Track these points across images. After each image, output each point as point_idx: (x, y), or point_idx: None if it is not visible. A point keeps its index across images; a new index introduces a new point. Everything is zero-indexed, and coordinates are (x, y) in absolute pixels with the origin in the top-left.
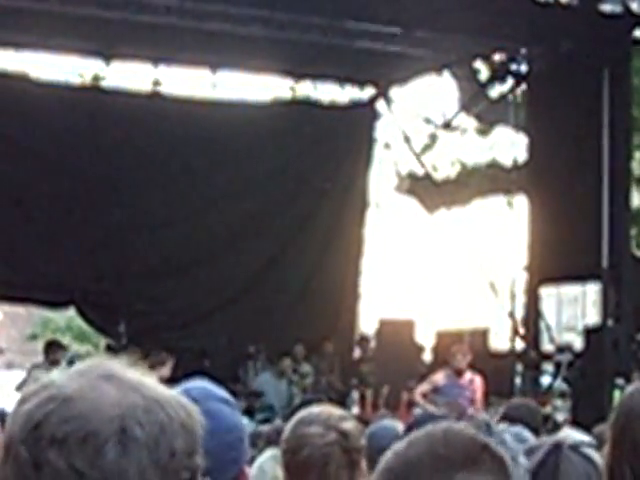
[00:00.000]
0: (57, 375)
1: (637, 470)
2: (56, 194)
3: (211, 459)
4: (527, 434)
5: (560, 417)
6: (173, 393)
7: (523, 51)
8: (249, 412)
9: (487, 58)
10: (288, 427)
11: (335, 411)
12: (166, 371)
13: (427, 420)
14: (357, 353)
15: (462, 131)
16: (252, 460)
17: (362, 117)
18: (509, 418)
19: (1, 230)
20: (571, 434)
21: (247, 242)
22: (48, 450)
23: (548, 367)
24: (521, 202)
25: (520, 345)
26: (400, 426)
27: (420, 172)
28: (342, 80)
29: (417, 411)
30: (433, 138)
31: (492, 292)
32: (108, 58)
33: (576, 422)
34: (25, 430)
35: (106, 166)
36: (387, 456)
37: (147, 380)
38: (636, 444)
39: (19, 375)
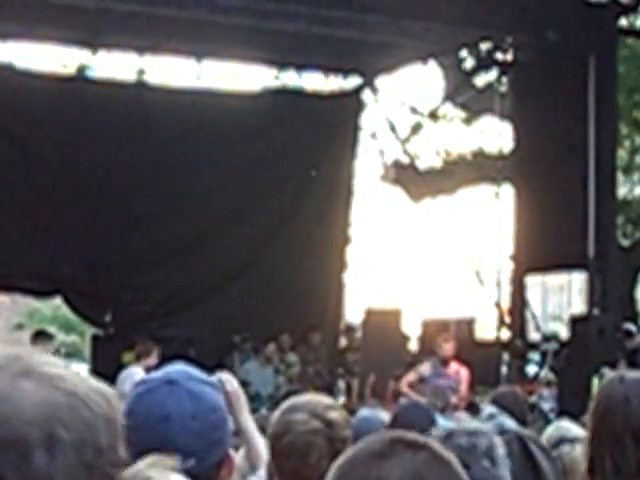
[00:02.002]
0: None
1: (617, 458)
2: (42, 184)
3: (195, 440)
4: (511, 423)
5: (546, 406)
6: (92, 383)
7: (509, 40)
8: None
9: (473, 47)
10: (276, 413)
11: (323, 400)
12: (152, 360)
13: (411, 409)
14: (343, 342)
15: (448, 120)
16: (237, 449)
17: (348, 106)
18: (496, 406)
19: None
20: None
21: (232, 231)
22: None
23: (534, 356)
24: (507, 191)
25: (506, 334)
26: (385, 416)
27: (405, 161)
28: (327, 69)
29: (403, 401)
30: (418, 127)
31: (478, 281)
32: (93, 48)
33: (562, 411)
34: None
35: (91, 155)
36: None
37: (67, 373)
38: (615, 433)
39: None
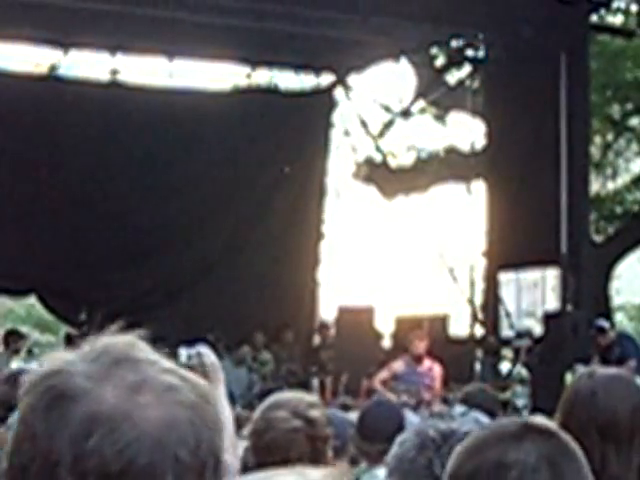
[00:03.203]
0: (68, 365)
1: (584, 452)
2: (13, 183)
3: None
4: (485, 419)
5: (520, 403)
6: (194, 384)
7: (480, 37)
8: None
9: (444, 44)
10: (257, 410)
11: (305, 398)
12: None
13: (378, 407)
14: (317, 340)
15: (420, 118)
16: None
17: (320, 104)
18: (467, 404)
19: None
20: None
21: (205, 229)
22: None
23: (508, 353)
24: (479, 188)
25: (479, 331)
26: (353, 415)
27: (378, 159)
28: (299, 67)
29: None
30: (390, 124)
31: (451, 278)
32: (65, 47)
33: (535, 408)
34: (68, 457)
35: (63, 155)
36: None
37: (175, 378)
38: (582, 426)
39: None
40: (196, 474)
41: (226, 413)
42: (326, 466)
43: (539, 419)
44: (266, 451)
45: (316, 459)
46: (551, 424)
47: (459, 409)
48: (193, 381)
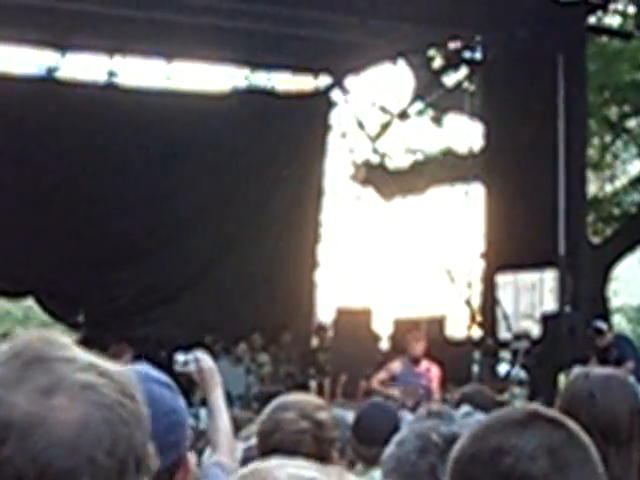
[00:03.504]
0: None
1: None
2: (10, 185)
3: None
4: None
5: (518, 404)
6: (116, 379)
7: (478, 39)
8: (205, 403)
9: (442, 46)
10: (266, 411)
11: (313, 400)
12: (125, 362)
13: (374, 409)
14: (315, 342)
15: (417, 119)
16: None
17: (317, 106)
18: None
19: None
20: None
21: (203, 230)
22: None
23: (506, 355)
24: (477, 190)
25: (477, 333)
26: (351, 415)
27: (376, 161)
28: (297, 69)
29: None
30: (387, 126)
31: (449, 280)
32: (62, 49)
33: None
34: None
35: (60, 157)
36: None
37: (92, 376)
38: (583, 429)
39: None
40: (115, 474)
41: (225, 418)
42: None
43: (548, 409)
44: (273, 452)
45: (322, 461)
46: (560, 415)
47: (464, 409)
48: (114, 377)
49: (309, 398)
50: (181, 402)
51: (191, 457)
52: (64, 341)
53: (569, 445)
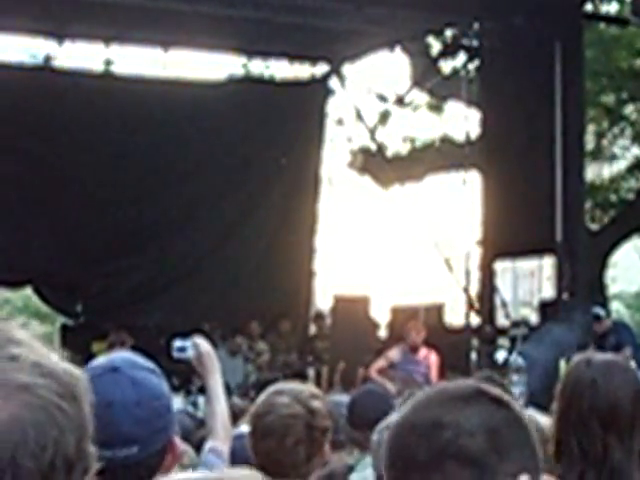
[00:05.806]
0: None
1: (584, 443)
2: (9, 175)
3: (138, 427)
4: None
5: (517, 391)
6: (58, 376)
7: (475, 26)
8: (203, 390)
9: (439, 33)
10: (262, 395)
11: (309, 388)
12: (125, 350)
13: (368, 395)
14: (313, 330)
15: (414, 107)
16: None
17: (315, 94)
18: None
19: None
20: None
21: (201, 219)
22: None
23: (504, 342)
24: (474, 177)
25: (475, 320)
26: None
27: (373, 148)
28: (294, 57)
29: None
30: (385, 114)
31: (447, 267)
32: (60, 38)
33: (532, 394)
34: None
35: (58, 146)
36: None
37: (31, 376)
38: (582, 415)
39: None
40: (40, 476)
41: (222, 404)
42: (322, 457)
43: (494, 388)
44: (263, 434)
45: (312, 449)
46: (505, 395)
47: None
48: (60, 377)
49: (305, 386)
50: (166, 386)
51: (178, 441)
52: (18, 337)
53: (510, 426)
